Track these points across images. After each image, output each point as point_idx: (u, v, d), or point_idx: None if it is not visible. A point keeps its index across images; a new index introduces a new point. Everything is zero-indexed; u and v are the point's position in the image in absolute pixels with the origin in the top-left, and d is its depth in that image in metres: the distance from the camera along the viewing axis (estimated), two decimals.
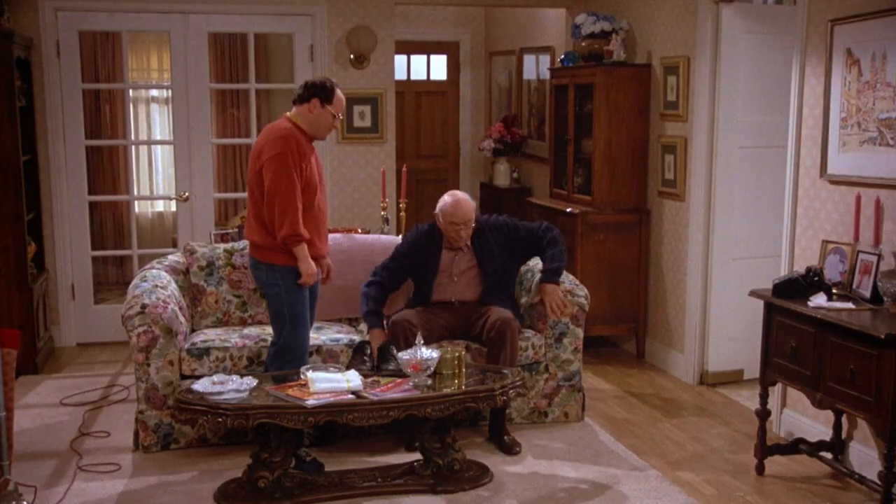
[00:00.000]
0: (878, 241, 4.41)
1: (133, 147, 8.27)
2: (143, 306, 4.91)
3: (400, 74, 9.94)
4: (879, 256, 4.32)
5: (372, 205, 7.69)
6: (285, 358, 4.77)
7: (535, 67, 9.17)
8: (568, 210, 6.99)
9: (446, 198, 5.34)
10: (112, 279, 9.19)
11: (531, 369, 5.37)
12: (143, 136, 9.49)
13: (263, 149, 4.68)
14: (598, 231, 6.80)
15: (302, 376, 4.45)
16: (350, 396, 4.29)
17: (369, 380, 4.48)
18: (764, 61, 6.11)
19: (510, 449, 5.02)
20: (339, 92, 4.77)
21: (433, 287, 5.36)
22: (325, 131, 4.80)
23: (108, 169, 9.32)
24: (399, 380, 4.48)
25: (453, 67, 10.58)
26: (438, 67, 10.63)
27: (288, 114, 4.78)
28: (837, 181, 4.82)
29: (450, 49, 10.53)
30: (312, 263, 4.70)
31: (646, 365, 6.84)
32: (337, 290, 5.49)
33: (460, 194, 5.36)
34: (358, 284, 5.54)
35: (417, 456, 4.67)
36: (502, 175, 9.45)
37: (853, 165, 4.70)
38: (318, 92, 4.71)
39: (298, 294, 4.73)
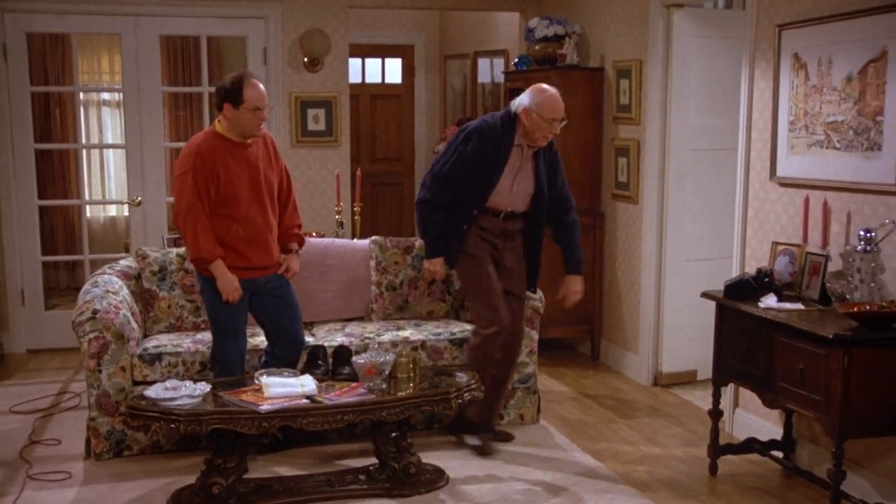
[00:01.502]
0: (825, 242, 4.47)
1: (84, 151, 8.17)
2: (95, 312, 4.85)
3: (355, 78, 9.92)
4: (827, 258, 4.39)
5: (326, 208, 7.66)
6: (215, 368, 4.85)
7: (490, 70, 9.21)
8: None
9: (541, 91, 4.86)
10: (63, 284, 9.07)
11: None
12: (95, 140, 9.39)
13: (175, 166, 4.68)
14: None
15: (256, 381, 4.43)
16: (305, 401, 4.27)
17: (324, 384, 4.47)
18: (714, 65, 6.18)
19: (507, 438, 5.23)
20: (250, 85, 4.57)
21: (493, 191, 4.92)
22: (252, 129, 4.64)
23: (58, 173, 9.20)
24: (354, 384, 4.47)
25: (408, 71, 10.58)
26: (393, 71, 10.62)
27: (217, 120, 4.72)
28: (786, 183, 4.89)
29: (405, 52, 10.53)
30: (231, 279, 4.66)
31: (601, 367, 6.88)
32: None
33: (546, 85, 4.94)
34: (312, 288, 5.53)
35: (373, 460, 4.65)
36: None
37: (801, 168, 4.77)
38: (226, 96, 4.60)
39: (222, 306, 4.72)
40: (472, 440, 5.08)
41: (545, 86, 4.92)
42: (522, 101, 4.86)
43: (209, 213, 4.62)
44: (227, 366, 4.81)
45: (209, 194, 4.59)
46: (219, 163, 4.60)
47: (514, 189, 4.95)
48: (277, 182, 4.89)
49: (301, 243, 5.05)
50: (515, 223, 5.05)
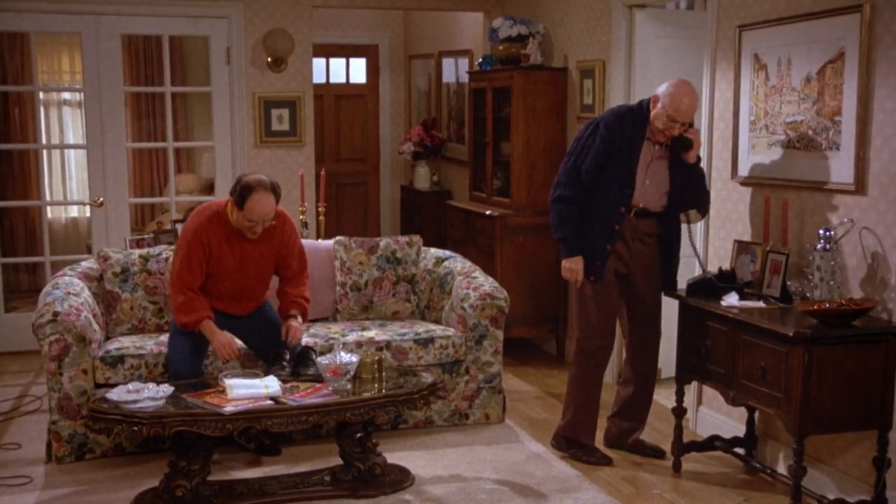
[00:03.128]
0: (786, 241, 4.52)
1: (45, 151, 8.07)
2: (55, 314, 4.80)
3: (319, 77, 9.89)
4: (787, 256, 4.43)
5: (291, 209, 7.55)
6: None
7: (454, 70, 9.21)
8: (487, 213, 7.03)
9: (677, 86, 4.62)
10: (24, 287, 8.96)
11: (451, 371, 5.40)
12: (56, 140, 9.28)
13: (181, 230, 4.89)
14: (517, 233, 6.85)
15: (221, 383, 4.40)
16: (269, 402, 4.25)
17: (288, 385, 4.45)
18: (676, 65, 6.21)
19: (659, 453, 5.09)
20: (254, 199, 4.61)
21: (635, 186, 4.74)
22: (246, 232, 4.74)
23: (18, 174, 9.11)
24: (318, 385, 4.45)
25: (373, 71, 10.56)
26: (358, 70, 10.60)
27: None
28: (748, 182, 4.93)
29: (369, 52, 10.51)
30: (222, 337, 4.75)
31: (566, 366, 6.88)
32: None
33: (690, 85, 4.66)
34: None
35: (338, 460, 4.64)
36: (422, 178, 9.47)
37: (762, 167, 4.82)
38: (233, 193, 4.70)
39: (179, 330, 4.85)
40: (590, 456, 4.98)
41: (686, 83, 4.66)
42: (661, 87, 4.70)
43: (201, 278, 4.77)
44: (171, 369, 4.81)
45: (201, 267, 4.75)
46: (213, 245, 4.75)
47: (646, 183, 4.76)
48: (278, 264, 4.97)
49: (303, 314, 5.00)
50: (649, 223, 4.85)
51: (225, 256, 4.77)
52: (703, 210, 4.92)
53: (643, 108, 4.78)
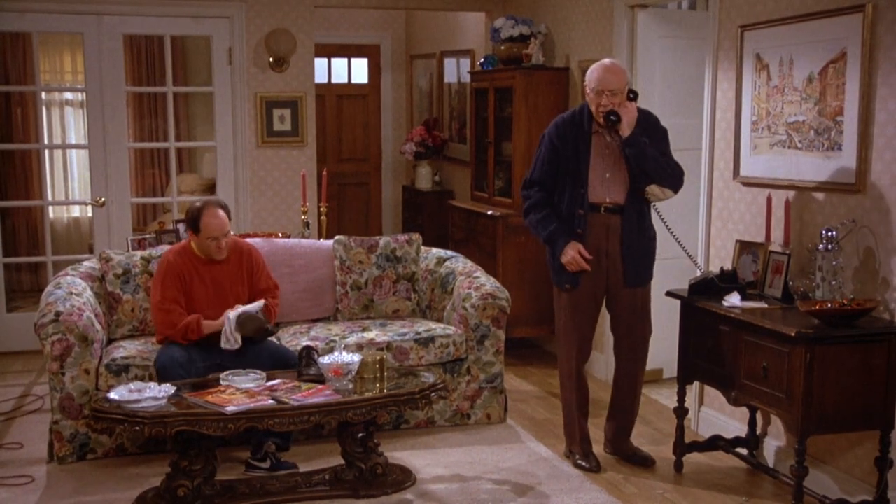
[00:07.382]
0: (788, 241, 4.52)
1: (47, 151, 8.07)
2: (58, 314, 4.80)
3: (321, 77, 9.89)
4: (789, 256, 4.43)
5: (293, 209, 7.63)
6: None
7: (456, 70, 9.21)
8: (489, 213, 7.03)
9: (594, 64, 4.72)
10: (26, 286, 8.96)
11: (453, 371, 5.40)
12: (58, 140, 9.29)
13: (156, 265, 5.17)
14: (518, 234, 6.84)
15: (222, 382, 4.42)
16: (270, 402, 4.26)
17: (290, 385, 4.45)
18: (678, 65, 6.22)
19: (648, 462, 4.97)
20: (208, 214, 4.87)
21: (588, 184, 4.72)
22: (213, 253, 4.97)
23: (20, 173, 9.10)
24: (320, 385, 4.45)
25: (374, 71, 10.56)
26: (359, 71, 10.60)
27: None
28: (749, 183, 4.93)
29: (371, 52, 10.52)
30: (219, 324, 4.85)
31: None
32: None
33: (608, 61, 4.73)
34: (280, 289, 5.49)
35: (340, 460, 4.64)
36: (424, 178, 9.47)
37: (764, 167, 4.82)
38: (187, 223, 4.98)
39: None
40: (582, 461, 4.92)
41: (604, 60, 4.76)
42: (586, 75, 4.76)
43: (182, 299, 4.94)
44: (158, 367, 4.79)
45: (179, 289, 4.93)
46: (185, 275, 4.97)
47: (606, 176, 4.73)
48: (250, 294, 5.11)
49: (273, 305, 5.17)
50: (619, 218, 4.77)
51: (198, 286, 4.97)
52: (662, 182, 4.71)
53: (584, 108, 4.79)
